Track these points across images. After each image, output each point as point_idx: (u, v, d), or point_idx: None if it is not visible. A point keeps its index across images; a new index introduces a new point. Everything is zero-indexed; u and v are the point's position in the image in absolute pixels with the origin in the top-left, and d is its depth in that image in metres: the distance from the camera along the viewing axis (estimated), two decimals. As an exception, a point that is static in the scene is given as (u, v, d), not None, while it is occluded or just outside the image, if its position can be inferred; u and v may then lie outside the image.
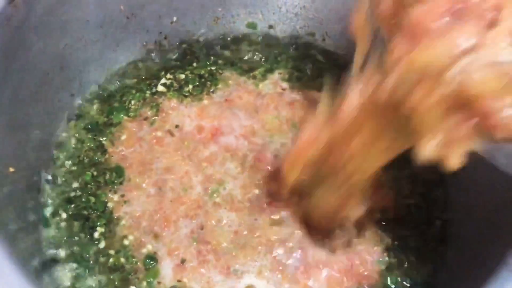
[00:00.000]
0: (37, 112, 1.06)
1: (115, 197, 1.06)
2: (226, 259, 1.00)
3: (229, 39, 1.35)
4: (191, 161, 1.12)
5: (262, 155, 1.15)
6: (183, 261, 0.99)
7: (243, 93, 1.24)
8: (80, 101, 1.19)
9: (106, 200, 1.06)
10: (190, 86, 1.23)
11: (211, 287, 0.98)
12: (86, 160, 1.10)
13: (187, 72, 1.26)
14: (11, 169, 0.96)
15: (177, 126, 1.16)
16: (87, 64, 1.19)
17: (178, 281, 0.98)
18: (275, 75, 1.26)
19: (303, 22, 1.35)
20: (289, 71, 1.28)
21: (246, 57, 1.31)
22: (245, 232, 1.02)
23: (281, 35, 1.35)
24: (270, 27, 1.36)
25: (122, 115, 1.17)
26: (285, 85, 1.25)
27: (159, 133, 1.15)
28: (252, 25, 1.35)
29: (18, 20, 0.96)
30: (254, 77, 1.26)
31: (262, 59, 1.30)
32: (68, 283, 0.97)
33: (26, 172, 1.02)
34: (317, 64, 1.30)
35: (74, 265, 0.99)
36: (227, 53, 1.32)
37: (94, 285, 0.97)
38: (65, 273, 0.98)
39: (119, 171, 1.09)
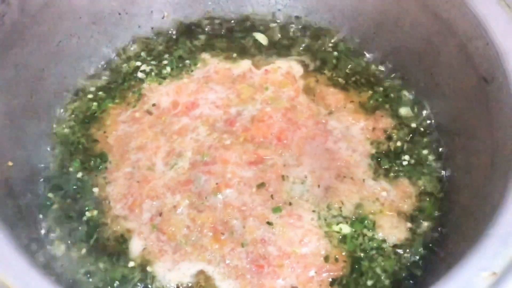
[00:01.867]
0: (33, 106, 1.14)
1: (99, 182, 1.12)
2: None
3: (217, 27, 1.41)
4: (163, 136, 1.16)
5: (233, 120, 1.19)
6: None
7: (220, 69, 1.29)
8: (72, 95, 1.26)
9: (91, 184, 1.12)
10: (168, 69, 1.29)
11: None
12: (76, 148, 1.18)
13: (166, 55, 1.32)
14: (10, 163, 1.03)
15: (154, 105, 1.22)
16: (80, 60, 1.28)
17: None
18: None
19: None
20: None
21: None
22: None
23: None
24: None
25: (108, 103, 1.24)
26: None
27: (137, 114, 1.21)
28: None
29: (11, 18, 1.04)
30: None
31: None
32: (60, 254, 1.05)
33: (23, 165, 1.09)
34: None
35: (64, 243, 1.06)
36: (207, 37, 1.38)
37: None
38: (58, 247, 1.06)
39: (103, 156, 1.16)
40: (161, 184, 1.10)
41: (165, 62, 1.31)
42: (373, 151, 1.16)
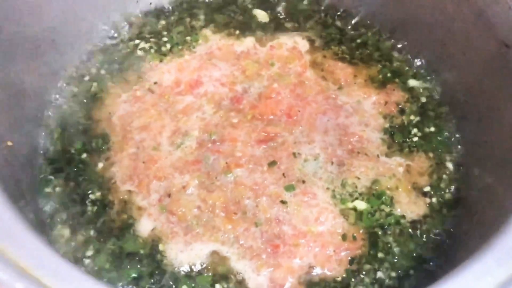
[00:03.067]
0: (30, 84, 1.08)
1: (102, 163, 1.07)
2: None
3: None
4: (167, 115, 1.11)
5: (240, 97, 1.14)
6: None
7: (223, 45, 1.23)
8: (71, 73, 1.20)
9: (94, 166, 1.07)
10: (168, 46, 1.23)
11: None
12: (77, 129, 1.12)
13: (165, 32, 1.27)
14: (9, 143, 0.97)
15: (155, 83, 1.16)
16: (77, 37, 1.21)
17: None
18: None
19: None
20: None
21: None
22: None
23: None
24: None
25: (107, 82, 1.18)
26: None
27: (138, 93, 1.15)
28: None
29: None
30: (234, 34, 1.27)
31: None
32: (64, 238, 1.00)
33: (22, 145, 1.03)
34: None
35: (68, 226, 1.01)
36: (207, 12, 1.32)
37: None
38: (62, 231, 1.00)
39: (105, 137, 1.10)
40: (168, 164, 1.05)
41: (164, 39, 1.26)
42: (387, 125, 1.12)
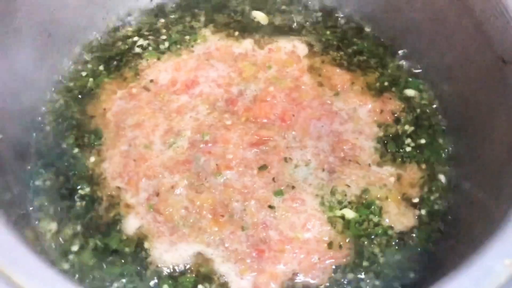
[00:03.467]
0: (25, 77, 1.08)
1: (94, 158, 1.07)
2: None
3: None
4: (161, 114, 1.11)
5: (235, 99, 1.14)
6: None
7: (221, 46, 1.23)
8: (68, 68, 1.20)
9: (85, 161, 1.07)
10: (167, 44, 1.24)
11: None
12: (70, 124, 1.12)
13: (164, 30, 1.27)
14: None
15: (151, 81, 1.16)
16: (75, 31, 1.21)
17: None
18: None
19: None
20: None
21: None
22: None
23: None
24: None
25: (104, 78, 1.18)
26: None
27: (134, 90, 1.15)
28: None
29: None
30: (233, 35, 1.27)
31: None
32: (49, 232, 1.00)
33: (14, 137, 1.03)
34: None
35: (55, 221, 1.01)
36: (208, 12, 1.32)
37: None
38: (48, 225, 1.01)
39: (98, 133, 1.10)
40: (158, 163, 1.05)
41: (163, 37, 1.26)
42: (381, 134, 1.12)
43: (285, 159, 1.07)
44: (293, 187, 1.03)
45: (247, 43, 1.25)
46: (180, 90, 1.15)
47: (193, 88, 1.16)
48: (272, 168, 1.06)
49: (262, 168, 1.05)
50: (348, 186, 1.04)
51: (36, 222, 1.00)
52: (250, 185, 1.03)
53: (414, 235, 1.01)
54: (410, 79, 1.21)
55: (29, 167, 1.05)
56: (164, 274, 0.94)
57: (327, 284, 0.94)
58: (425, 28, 1.16)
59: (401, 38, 1.24)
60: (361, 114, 1.14)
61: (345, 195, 1.03)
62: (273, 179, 1.04)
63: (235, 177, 1.04)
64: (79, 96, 1.16)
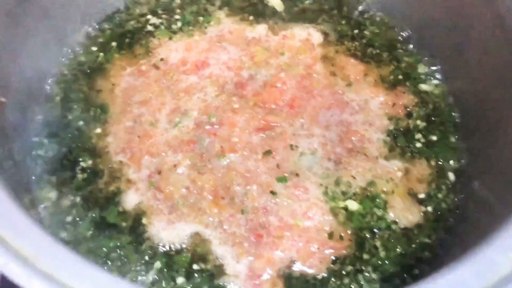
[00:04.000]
0: (34, 47, 1.07)
1: (98, 132, 1.06)
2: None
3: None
4: (169, 92, 1.10)
5: (244, 83, 1.12)
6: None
7: (235, 29, 1.21)
8: (79, 41, 1.19)
9: (90, 134, 1.06)
10: (179, 24, 1.23)
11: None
12: (77, 97, 1.11)
13: (179, 10, 1.26)
14: (2, 99, 0.96)
15: (162, 60, 1.15)
16: (88, 6, 1.19)
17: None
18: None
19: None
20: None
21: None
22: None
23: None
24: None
25: (114, 53, 1.18)
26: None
27: (143, 67, 1.14)
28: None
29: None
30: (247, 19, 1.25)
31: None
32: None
33: (19, 105, 1.02)
34: None
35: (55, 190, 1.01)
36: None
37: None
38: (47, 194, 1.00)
39: (104, 107, 1.10)
40: (162, 141, 1.04)
41: (176, 17, 1.24)
42: (391, 127, 1.09)
43: (291, 146, 1.05)
44: (297, 175, 1.01)
45: (261, 28, 1.23)
46: (190, 70, 1.14)
47: (203, 69, 1.14)
48: (277, 154, 1.04)
49: (267, 153, 1.04)
50: (354, 177, 1.02)
51: (36, 191, 0.99)
52: (254, 169, 1.02)
53: (418, 231, 0.98)
54: (426, 74, 1.18)
55: (32, 136, 1.05)
56: (159, 251, 0.93)
57: (325, 274, 0.92)
58: (443, 21, 1.12)
59: (419, 31, 1.20)
60: (372, 106, 1.12)
61: (350, 186, 1.01)
62: (277, 165, 1.02)
63: (239, 161, 1.02)
64: (88, 70, 1.15)
